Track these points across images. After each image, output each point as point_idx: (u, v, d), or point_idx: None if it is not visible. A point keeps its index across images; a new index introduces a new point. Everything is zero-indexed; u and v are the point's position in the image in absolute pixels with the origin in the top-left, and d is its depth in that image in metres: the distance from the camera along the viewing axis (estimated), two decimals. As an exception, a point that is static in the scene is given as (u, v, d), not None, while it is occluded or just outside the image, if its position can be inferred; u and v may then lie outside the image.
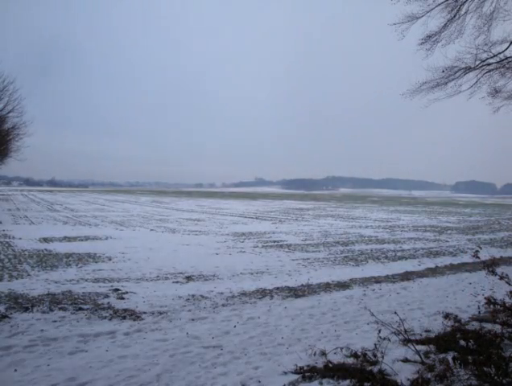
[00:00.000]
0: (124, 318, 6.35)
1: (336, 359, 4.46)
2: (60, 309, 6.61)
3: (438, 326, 5.79)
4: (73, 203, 48.81)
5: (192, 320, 6.35)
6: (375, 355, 4.23)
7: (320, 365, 4.38)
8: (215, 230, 21.99)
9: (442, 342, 4.80)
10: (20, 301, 7.04)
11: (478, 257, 4.70)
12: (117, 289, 8.33)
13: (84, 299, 7.33)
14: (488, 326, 5.50)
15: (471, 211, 48.92)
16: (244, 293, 8.28)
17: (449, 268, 11.85)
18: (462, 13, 10.38)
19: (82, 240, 16.66)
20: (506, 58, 11.06)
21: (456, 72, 11.56)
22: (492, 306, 4.93)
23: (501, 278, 4.54)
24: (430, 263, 12.67)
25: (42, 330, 5.55)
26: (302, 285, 9.15)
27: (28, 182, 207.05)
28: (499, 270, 4.66)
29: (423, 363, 4.22)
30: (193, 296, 7.93)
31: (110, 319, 6.25)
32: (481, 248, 5.32)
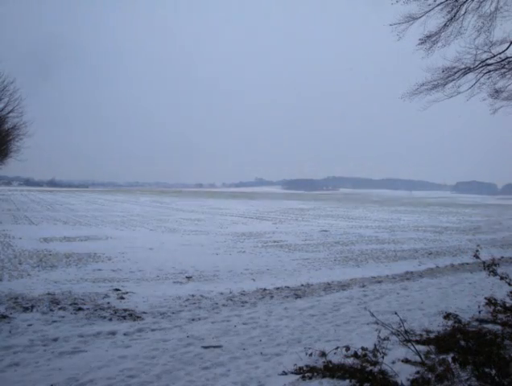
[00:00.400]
0: (124, 318, 6.35)
1: (336, 359, 4.45)
2: (60, 309, 6.60)
3: (438, 326, 5.79)
4: (73, 203, 48.83)
5: (192, 320, 6.34)
6: (375, 356, 4.22)
7: (320, 365, 4.37)
8: (215, 230, 21.99)
9: (442, 342, 4.80)
10: (20, 301, 7.04)
11: (478, 257, 4.70)
12: (117, 289, 8.33)
13: (84, 299, 7.32)
14: (488, 326, 5.51)
15: (471, 211, 48.92)
16: (244, 293, 8.28)
17: (449, 268, 11.85)
18: (462, 13, 10.39)
19: (82, 240, 16.67)
20: (507, 58, 11.05)
21: (455, 73, 11.57)
22: (492, 307, 4.94)
23: (502, 278, 4.54)
24: (430, 263, 12.66)
25: (42, 330, 5.55)
26: (302, 285, 9.15)
27: (28, 182, 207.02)
28: (499, 270, 4.66)
29: (423, 363, 4.22)
30: (193, 296, 7.93)
31: (110, 319, 6.24)
32: (481, 248, 5.32)
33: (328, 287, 9.03)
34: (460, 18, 10.48)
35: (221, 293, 8.23)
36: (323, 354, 4.63)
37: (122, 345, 5.14)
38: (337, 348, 4.54)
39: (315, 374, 4.16)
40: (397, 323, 4.91)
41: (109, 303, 7.15)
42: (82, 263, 11.71)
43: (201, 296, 7.95)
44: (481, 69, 11.52)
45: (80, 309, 6.65)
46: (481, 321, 5.93)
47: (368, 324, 6.02)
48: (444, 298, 7.84)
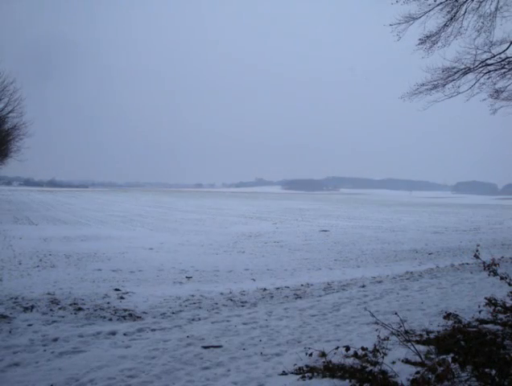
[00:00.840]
0: (124, 318, 6.35)
1: (336, 359, 4.45)
2: (60, 309, 6.60)
3: (438, 326, 5.79)
4: (73, 203, 48.84)
5: (192, 320, 6.34)
6: (375, 356, 4.21)
7: (320, 365, 4.37)
8: (215, 230, 22.00)
9: (442, 342, 4.79)
10: (20, 301, 7.03)
11: (479, 258, 4.69)
12: (117, 289, 8.33)
13: (84, 299, 7.32)
14: (488, 326, 5.50)
15: (472, 211, 48.91)
16: (244, 294, 8.27)
17: (450, 268, 11.84)
18: (462, 13, 10.39)
19: (82, 240, 16.67)
20: (507, 58, 11.05)
21: (455, 73, 11.56)
22: (492, 307, 4.93)
23: (502, 279, 4.53)
24: (430, 263, 12.65)
25: (42, 330, 5.54)
26: (302, 285, 9.14)
27: (28, 182, 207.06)
28: (500, 270, 4.65)
29: (423, 363, 4.21)
30: (193, 296, 7.92)
31: (110, 319, 6.24)
32: (481, 248, 5.31)
33: (328, 287, 9.02)
34: (460, 18, 10.48)
35: (221, 293, 8.22)
36: (323, 354, 4.62)
37: (122, 345, 5.13)
38: (337, 348, 4.53)
39: (315, 374, 4.16)
40: (397, 323, 4.91)
41: (109, 303, 7.15)
42: (82, 263, 11.71)
43: (201, 296, 7.95)
44: (480, 69, 11.51)
45: (80, 309, 6.64)
46: (481, 321, 5.91)
47: (368, 324, 6.01)
48: (444, 298, 7.83)
